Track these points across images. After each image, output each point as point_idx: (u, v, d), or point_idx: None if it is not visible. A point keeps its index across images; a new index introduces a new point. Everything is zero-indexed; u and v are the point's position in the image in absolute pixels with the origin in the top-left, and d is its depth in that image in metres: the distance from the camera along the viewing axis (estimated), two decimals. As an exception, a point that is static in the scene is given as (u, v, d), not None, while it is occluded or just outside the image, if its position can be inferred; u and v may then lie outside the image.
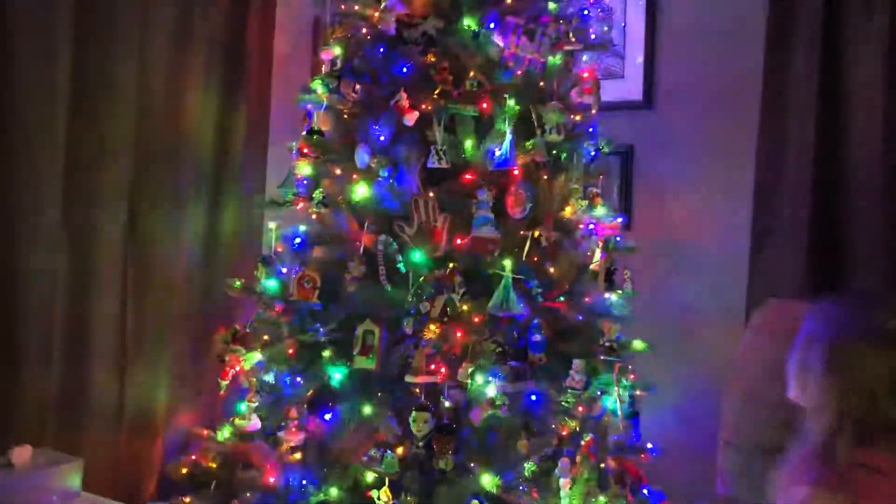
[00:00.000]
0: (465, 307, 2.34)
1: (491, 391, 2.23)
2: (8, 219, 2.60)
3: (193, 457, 2.62)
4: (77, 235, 2.74)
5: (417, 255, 2.35)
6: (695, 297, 3.05)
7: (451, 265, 2.35)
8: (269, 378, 2.59)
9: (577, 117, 2.62)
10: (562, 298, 2.47)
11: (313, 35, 3.57)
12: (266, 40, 3.37)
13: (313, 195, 2.55)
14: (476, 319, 2.34)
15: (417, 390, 2.28)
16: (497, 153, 2.36)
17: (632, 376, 2.51)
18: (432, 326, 2.28)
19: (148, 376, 2.94)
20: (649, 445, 2.53)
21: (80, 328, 2.77)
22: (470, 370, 2.24)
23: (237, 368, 2.53)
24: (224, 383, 2.61)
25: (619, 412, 2.41)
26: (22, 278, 2.63)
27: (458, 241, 2.36)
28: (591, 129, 2.67)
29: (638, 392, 2.51)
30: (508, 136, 2.38)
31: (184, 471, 2.61)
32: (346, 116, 2.61)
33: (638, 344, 2.60)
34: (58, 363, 2.70)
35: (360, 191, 2.45)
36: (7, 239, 2.59)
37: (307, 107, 2.62)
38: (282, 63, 3.52)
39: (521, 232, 2.45)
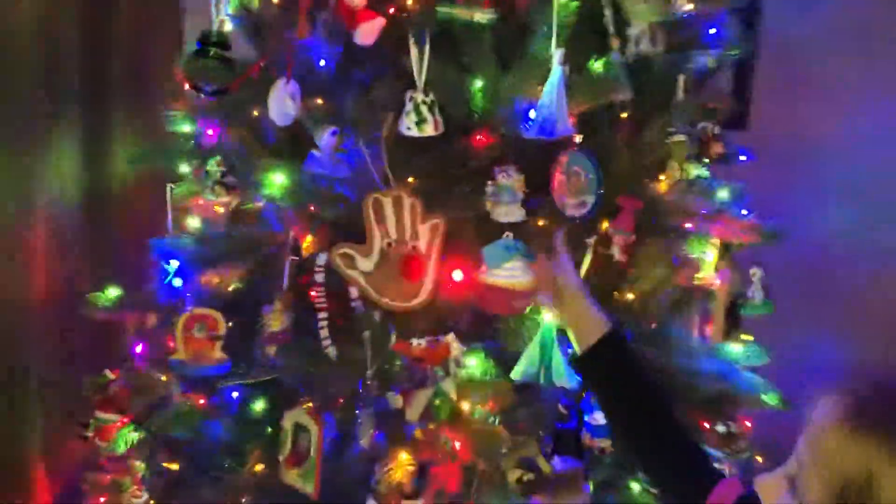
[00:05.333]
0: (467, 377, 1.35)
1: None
2: None
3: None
4: None
5: (379, 309, 1.28)
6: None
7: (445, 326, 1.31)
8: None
9: (689, 5, 1.45)
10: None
11: None
12: None
13: (207, 168, 1.44)
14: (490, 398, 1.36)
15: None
16: (535, 105, 1.27)
17: (746, 425, 1.60)
18: (404, 454, 1.25)
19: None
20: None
21: None
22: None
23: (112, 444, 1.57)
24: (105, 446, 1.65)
25: None
26: None
27: (458, 281, 1.30)
28: (712, 29, 1.49)
29: (758, 459, 1.61)
30: (556, 68, 1.24)
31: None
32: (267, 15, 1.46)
33: (770, 398, 1.59)
34: None
35: (278, 178, 1.33)
36: None
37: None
38: None
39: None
